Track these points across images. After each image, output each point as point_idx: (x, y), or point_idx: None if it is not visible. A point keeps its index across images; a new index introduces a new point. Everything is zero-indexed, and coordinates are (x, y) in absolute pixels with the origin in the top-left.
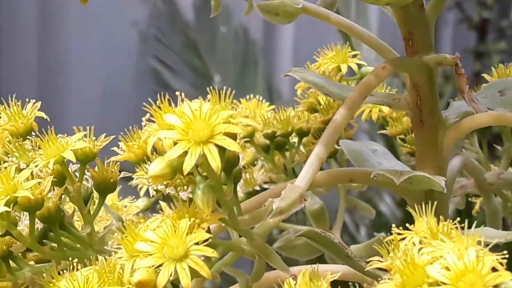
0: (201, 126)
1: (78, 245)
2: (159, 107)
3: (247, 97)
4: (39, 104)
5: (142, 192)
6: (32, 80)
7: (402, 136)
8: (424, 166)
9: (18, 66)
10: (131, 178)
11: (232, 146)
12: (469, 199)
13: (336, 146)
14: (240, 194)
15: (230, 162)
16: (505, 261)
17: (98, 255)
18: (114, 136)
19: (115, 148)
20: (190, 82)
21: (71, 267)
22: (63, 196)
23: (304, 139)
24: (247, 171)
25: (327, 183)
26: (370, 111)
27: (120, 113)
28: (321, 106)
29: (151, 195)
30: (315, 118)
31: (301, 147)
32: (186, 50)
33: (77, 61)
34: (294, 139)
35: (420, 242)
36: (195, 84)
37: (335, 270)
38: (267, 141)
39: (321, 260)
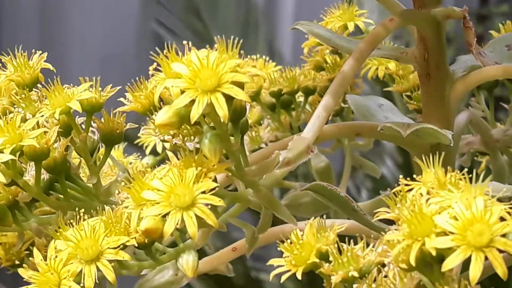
0: (208, 75)
1: (84, 197)
2: (167, 56)
3: (253, 57)
4: (45, 55)
5: (148, 151)
6: (33, 44)
7: (408, 93)
8: (430, 120)
9: (19, 30)
10: (137, 137)
11: (239, 95)
12: (475, 158)
13: (342, 104)
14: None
15: (237, 112)
16: None
17: (104, 206)
18: (120, 87)
19: (121, 99)
20: (191, 45)
21: (78, 217)
22: (69, 149)
23: (310, 98)
24: (253, 129)
25: (334, 136)
26: (377, 68)
27: (121, 77)
28: (328, 64)
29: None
30: (321, 76)
31: (307, 106)
32: (188, 14)
33: (78, 25)
34: (300, 98)
35: (428, 193)
36: (196, 47)
37: (342, 223)
38: (273, 100)
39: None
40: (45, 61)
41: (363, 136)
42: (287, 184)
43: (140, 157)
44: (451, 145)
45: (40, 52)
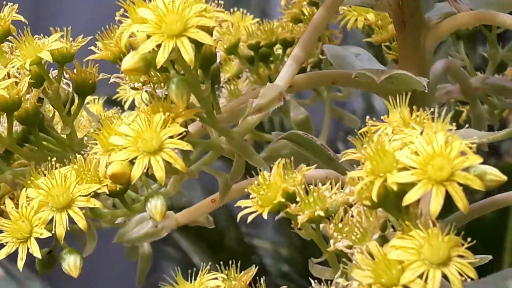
0: (174, 19)
1: (59, 149)
2: (133, 2)
3: (231, 10)
4: (16, 6)
5: (127, 105)
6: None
7: (387, 44)
8: (406, 68)
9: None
10: (116, 92)
11: (205, 39)
12: (456, 108)
13: (320, 56)
14: None
15: (206, 58)
16: (474, 145)
17: (77, 155)
18: (91, 37)
19: (92, 48)
20: None
21: (50, 165)
22: (43, 101)
23: (288, 50)
24: (232, 83)
25: (308, 85)
26: (356, 20)
27: None
28: (305, 16)
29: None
30: (299, 28)
31: (286, 58)
32: None
33: None
34: (278, 51)
35: (393, 132)
36: None
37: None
38: (251, 53)
39: None
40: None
41: (338, 85)
42: (265, 136)
43: (120, 110)
44: (426, 91)
45: (12, 4)
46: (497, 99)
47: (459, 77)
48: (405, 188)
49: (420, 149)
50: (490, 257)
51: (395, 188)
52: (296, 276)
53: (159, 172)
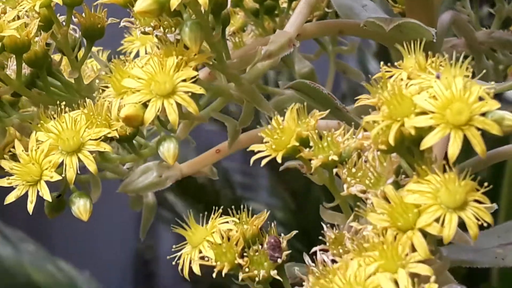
0: None
1: (66, 94)
2: None
3: None
4: None
5: (132, 56)
6: None
7: None
8: (414, 19)
9: None
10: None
11: None
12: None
13: (326, 9)
14: None
15: (218, 3)
16: (492, 91)
17: (86, 99)
18: None
19: None
20: None
21: (59, 109)
22: (51, 45)
23: (294, 3)
24: (237, 35)
25: (316, 34)
26: None
27: None
28: None
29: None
30: None
31: (291, 12)
32: None
33: None
34: (284, 4)
35: (409, 78)
36: None
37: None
38: (257, 5)
39: None
40: None
41: (345, 34)
42: (271, 90)
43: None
44: (434, 41)
45: None
46: (502, 54)
47: (465, 31)
48: (421, 133)
49: (439, 93)
50: (496, 206)
51: (412, 132)
52: (290, 239)
53: (173, 115)
